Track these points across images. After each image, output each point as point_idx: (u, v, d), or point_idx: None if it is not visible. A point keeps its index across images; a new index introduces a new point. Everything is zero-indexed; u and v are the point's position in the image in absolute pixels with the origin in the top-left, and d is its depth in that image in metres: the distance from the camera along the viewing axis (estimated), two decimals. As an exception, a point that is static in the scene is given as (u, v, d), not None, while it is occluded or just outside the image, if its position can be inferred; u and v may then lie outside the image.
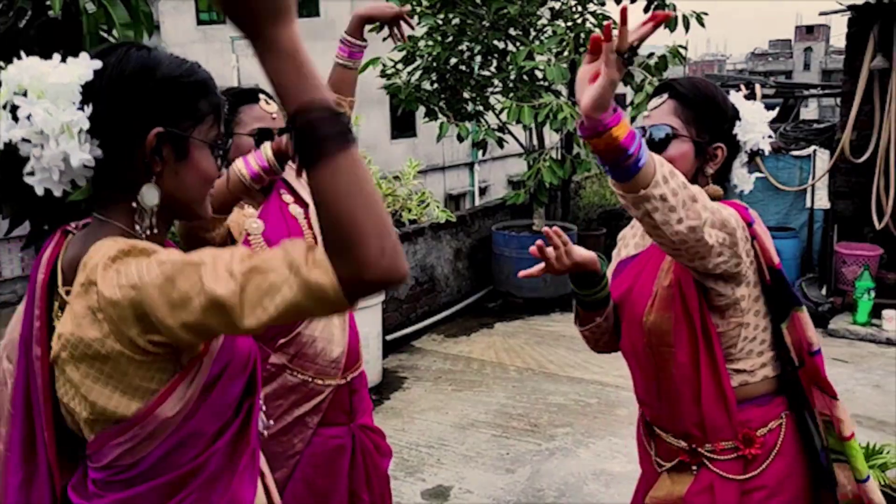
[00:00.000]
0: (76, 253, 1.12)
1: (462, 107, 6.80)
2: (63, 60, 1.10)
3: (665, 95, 1.67)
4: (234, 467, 1.19)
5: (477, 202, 20.97)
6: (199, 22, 19.13)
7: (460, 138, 6.18)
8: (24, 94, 1.06)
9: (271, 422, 1.89)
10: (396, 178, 4.72)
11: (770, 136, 1.71)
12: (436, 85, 6.68)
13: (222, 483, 1.17)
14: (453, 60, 6.57)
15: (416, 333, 6.25)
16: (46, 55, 2.49)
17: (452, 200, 20.19)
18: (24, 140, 1.06)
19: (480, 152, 6.22)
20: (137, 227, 1.15)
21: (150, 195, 1.12)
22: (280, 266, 0.92)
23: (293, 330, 2.07)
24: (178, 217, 1.25)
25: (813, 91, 7.99)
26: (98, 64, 1.09)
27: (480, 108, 6.90)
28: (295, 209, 2.15)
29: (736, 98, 1.70)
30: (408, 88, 6.35)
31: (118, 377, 1.06)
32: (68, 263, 1.14)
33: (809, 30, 57.11)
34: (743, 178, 1.71)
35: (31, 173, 1.08)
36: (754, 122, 1.65)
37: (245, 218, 2.07)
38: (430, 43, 6.36)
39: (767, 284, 1.58)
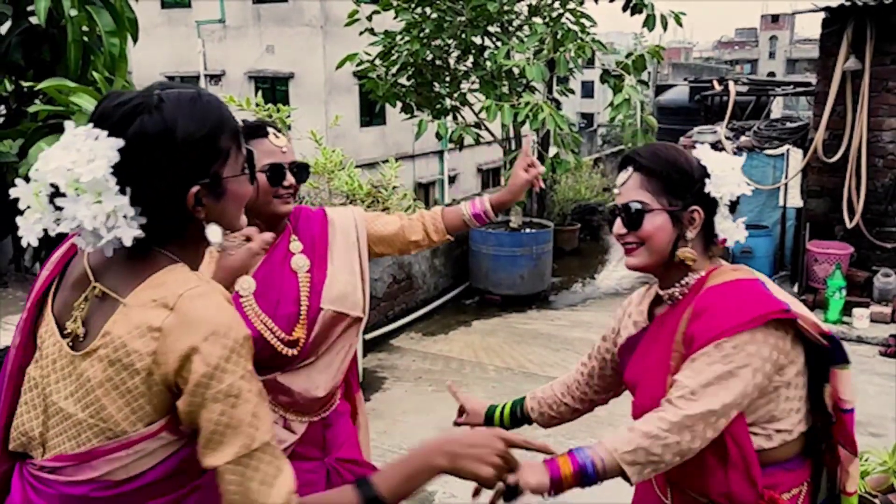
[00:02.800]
0: (124, 264, 1.17)
1: (439, 102, 6.77)
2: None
3: (630, 169, 1.64)
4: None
5: (447, 190, 20.96)
6: (164, 5, 18.74)
7: (438, 136, 6.15)
8: (61, 194, 1.08)
9: None
10: (379, 181, 4.67)
11: (746, 184, 1.66)
12: (412, 80, 6.63)
13: None
14: (430, 56, 6.52)
15: (395, 332, 6.23)
16: (30, 62, 2.40)
17: (422, 188, 20.14)
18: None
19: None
20: (189, 261, 1.21)
21: (213, 233, 1.19)
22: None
23: (269, 375, 1.97)
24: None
25: (786, 89, 8.09)
26: (120, 142, 1.10)
27: (457, 103, 6.88)
28: (299, 261, 2.03)
29: (702, 153, 1.65)
30: (385, 84, 6.29)
31: (137, 394, 1.11)
32: (103, 264, 1.18)
33: (775, 19, 57.97)
34: (730, 231, 1.65)
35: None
36: (725, 175, 1.60)
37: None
38: (408, 38, 6.30)
39: (825, 347, 1.54)
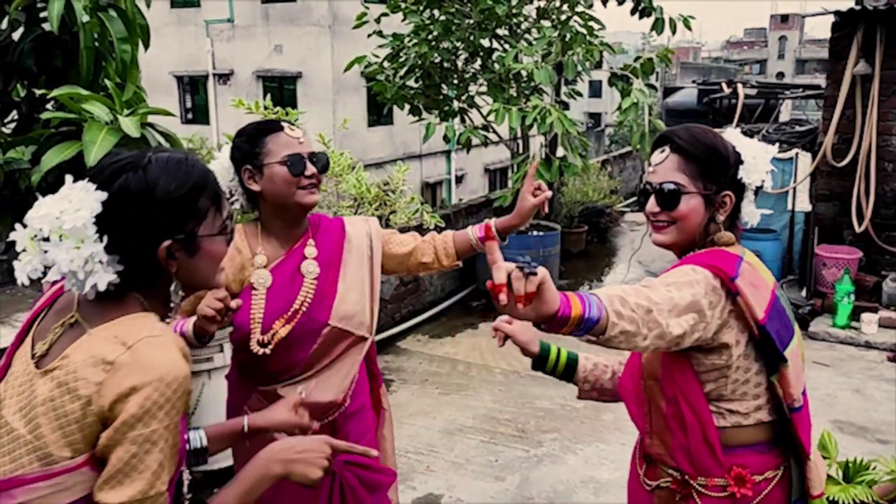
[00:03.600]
0: (102, 301, 1.25)
1: (447, 105, 6.77)
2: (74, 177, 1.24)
3: (667, 150, 1.68)
4: None
5: (454, 190, 20.95)
6: (173, 4, 18.80)
7: (446, 139, 6.16)
8: (48, 239, 1.19)
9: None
10: (387, 184, 4.69)
11: (772, 171, 1.72)
12: (420, 82, 6.64)
13: None
14: (438, 58, 6.53)
15: (401, 334, 6.25)
16: (42, 69, 2.42)
17: (429, 188, 20.15)
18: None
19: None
20: (157, 309, 1.29)
21: (177, 291, 1.32)
22: None
23: (279, 373, 2.03)
24: (192, 291, 1.41)
25: (795, 92, 8.06)
26: (103, 195, 1.21)
27: (465, 106, 6.88)
28: (310, 266, 2.06)
29: (735, 137, 1.70)
30: (393, 87, 6.31)
31: (71, 419, 1.16)
32: (87, 299, 1.26)
33: (784, 18, 57.73)
34: (752, 215, 1.73)
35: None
36: (757, 162, 1.66)
37: (252, 269, 2.01)
38: (416, 41, 6.31)
39: (756, 337, 1.60)
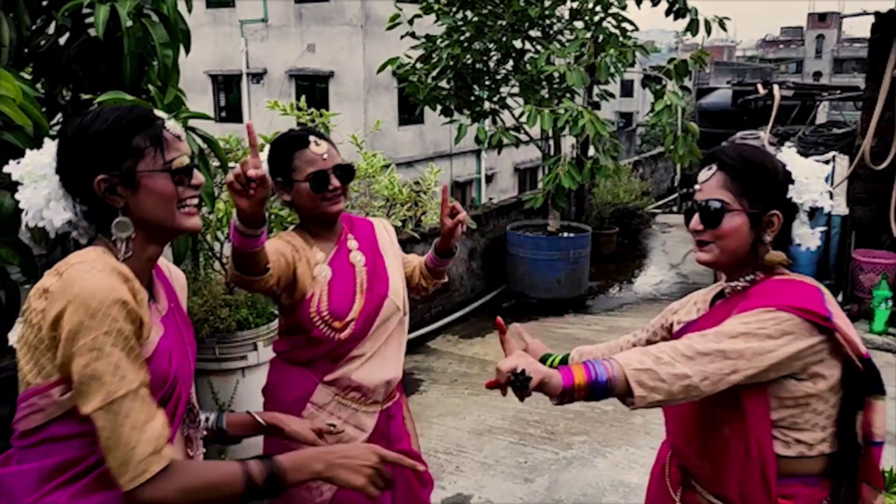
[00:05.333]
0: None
1: (478, 105, 6.79)
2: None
3: (714, 167, 1.66)
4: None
5: (483, 189, 20.94)
6: (209, 4, 19.05)
7: (478, 141, 6.17)
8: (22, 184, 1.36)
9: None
10: (417, 183, 4.71)
11: (829, 191, 1.67)
12: (452, 83, 6.66)
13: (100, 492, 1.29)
14: (470, 59, 6.55)
15: (431, 334, 6.28)
16: (88, 73, 2.49)
17: (459, 188, 20.16)
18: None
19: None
20: (119, 255, 1.38)
21: (120, 227, 1.37)
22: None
23: (347, 355, 2.17)
24: (159, 237, 1.43)
25: (833, 94, 7.93)
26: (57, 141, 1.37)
27: (497, 106, 6.89)
28: (356, 256, 2.24)
29: (788, 156, 1.66)
30: (426, 89, 6.33)
31: (34, 349, 1.28)
32: None
33: (822, 17, 56.64)
34: (805, 237, 1.68)
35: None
36: (809, 182, 1.62)
37: (315, 265, 2.16)
38: (448, 42, 6.33)
39: (860, 370, 1.55)
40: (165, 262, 1.61)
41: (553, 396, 1.38)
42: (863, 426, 1.58)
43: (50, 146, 1.37)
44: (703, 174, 1.68)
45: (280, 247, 2.06)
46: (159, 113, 1.41)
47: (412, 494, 2.28)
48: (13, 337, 1.33)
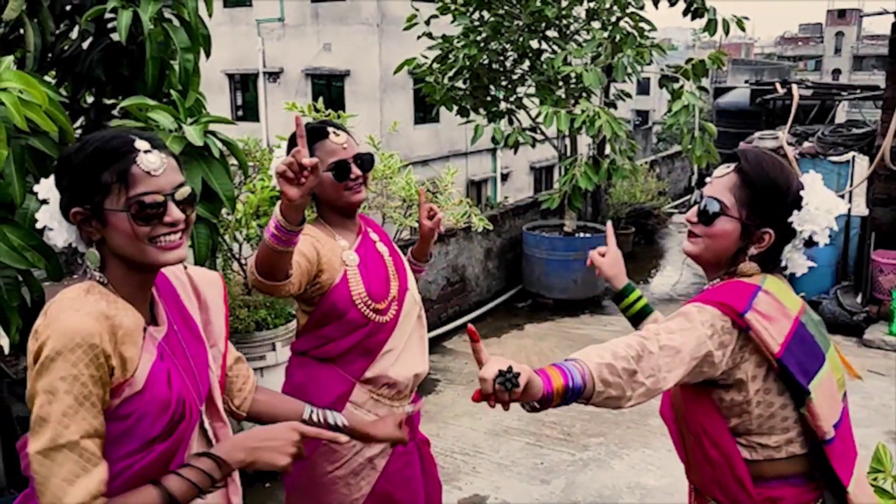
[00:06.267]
0: None
1: (494, 105, 6.79)
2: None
3: (731, 167, 1.65)
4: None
5: (499, 188, 20.90)
6: (226, 4, 19.15)
7: (494, 141, 6.17)
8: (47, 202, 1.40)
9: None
10: (434, 184, 4.73)
11: (831, 229, 1.62)
12: (468, 84, 6.67)
13: None
14: (486, 60, 6.55)
15: (447, 334, 6.29)
16: (111, 78, 2.52)
17: (474, 186, 20.13)
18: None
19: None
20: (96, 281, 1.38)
21: (91, 256, 1.39)
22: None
23: (380, 349, 2.21)
24: (136, 268, 1.41)
25: (853, 93, 7.85)
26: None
27: (513, 107, 6.88)
28: (381, 247, 2.31)
29: (811, 182, 1.62)
30: (442, 89, 6.34)
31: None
32: None
33: (842, 14, 56.03)
34: (796, 263, 1.66)
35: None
36: (817, 214, 1.59)
37: (341, 251, 2.18)
38: (465, 42, 6.34)
39: (787, 372, 1.55)
40: (187, 271, 1.60)
41: (531, 402, 1.35)
42: (812, 425, 1.59)
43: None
44: (720, 170, 1.67)
45: (300, 246, 2.04)
46: (140, 144, 1.36)
47: (433, 474, 2.40)
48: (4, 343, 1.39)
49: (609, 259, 2.03)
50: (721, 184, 1.65)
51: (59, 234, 1.38)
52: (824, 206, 1.60)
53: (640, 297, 2.01)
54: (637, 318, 2.01)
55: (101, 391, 1.28)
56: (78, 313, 1.28)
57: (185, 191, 1.39)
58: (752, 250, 1.63)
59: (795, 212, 1.59)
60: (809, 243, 1.63)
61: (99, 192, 1.33)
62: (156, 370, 1.36)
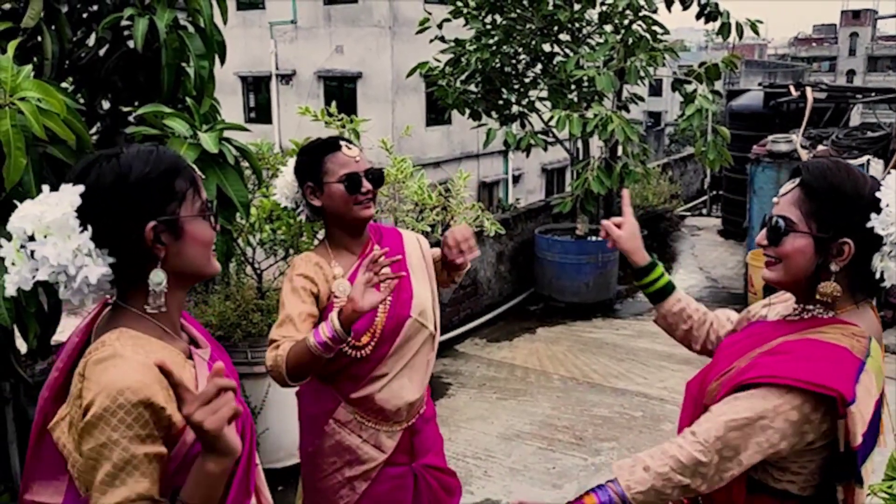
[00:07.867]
0: (101, 332, 1.30)
1: (507, 109, 6.79)
2: (54, 188, 1.26)
3: (795, 181, 1.54)
4: None
5: (511, 190, 20.88)
6: (239, 6, 19.26)
7: (506, 144, 6.18)
8: (33, 238, 1.21)
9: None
10: (447, 190, 4.73)
11: None
12: (481, 87, 6.68)
13: None
14: (499, 63, 6.55)
15: (459, 337, 6.30)
16: (127, 85, 2.53)
17: (486, 188, 20.14)
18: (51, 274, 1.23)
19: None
20: (149, 308, 1.29)
21: (157, 278, 1.28)
22: None
23: (370, 374, 2.15)
24: (185, 284, 1.37)
25: (868, 97, 7.80)
26: (81, 188, 1.24)
27: (525, 110, 6.88)
28: (384, 270, 2.20)
29: (888, 181, 1.49)
30: (454, 92, 6.35)
31: (74, 427, 1.23)
32: (97, 335, 1.30)
33: (856, 15, 55.60)
34: (892, 272, 1.48)
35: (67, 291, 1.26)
36: None
37: (333, 281, 2.14)
38: (477, 46, 6.35)
39: (840, 452, 1.43)
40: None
41: None
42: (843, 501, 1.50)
43: (62, 195, 1.24)
44: (786, 186, 1.57)
45: (310, 308, 2.09)
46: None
47: (436, 501, 2.29)
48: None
49: (626, 231, 1.86)
50: (786, 200, 1.54)
51: (92, 268, 1.23)
52: None
53: (663, 275, 1.86)
54: (658, 296, 1.87)
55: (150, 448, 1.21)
56: (131, 368, 1.20)
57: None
58: (834, 266, 1.48)
59: (874, 215, 1.45)
60: None
61: (174, 200, 1.29)
62: None
